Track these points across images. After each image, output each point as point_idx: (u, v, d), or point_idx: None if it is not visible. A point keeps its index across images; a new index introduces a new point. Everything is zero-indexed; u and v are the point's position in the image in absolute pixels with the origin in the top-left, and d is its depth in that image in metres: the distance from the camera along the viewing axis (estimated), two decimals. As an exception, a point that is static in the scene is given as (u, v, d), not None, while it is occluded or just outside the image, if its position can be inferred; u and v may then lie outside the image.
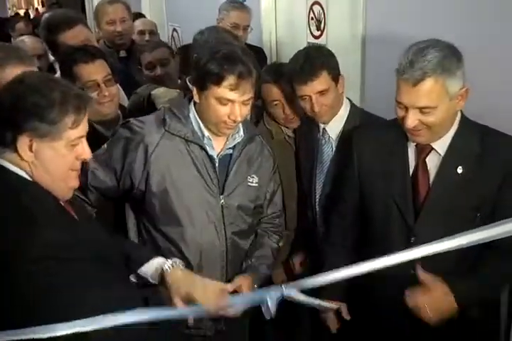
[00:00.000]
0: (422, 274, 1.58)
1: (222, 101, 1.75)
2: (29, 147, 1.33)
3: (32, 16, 10.04)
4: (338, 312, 1.89)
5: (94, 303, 1.28)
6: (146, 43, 3.41)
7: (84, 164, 1.49)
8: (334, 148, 2.21)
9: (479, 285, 1.62)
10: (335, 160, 2.21)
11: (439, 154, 1.72)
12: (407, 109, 1.63)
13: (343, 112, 2.22)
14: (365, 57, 2.76)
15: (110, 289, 1.33)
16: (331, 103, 2.13)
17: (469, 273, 1.61)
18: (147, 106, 2.41)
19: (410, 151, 1.77)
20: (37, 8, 12.33)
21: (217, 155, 1.89)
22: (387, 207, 1.78)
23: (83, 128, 1.40)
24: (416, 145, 1.75)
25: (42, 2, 12.27)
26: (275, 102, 2.30)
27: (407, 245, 1.69)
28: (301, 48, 2.24)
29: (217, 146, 1.89)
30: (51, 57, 3.32)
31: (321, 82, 2.07)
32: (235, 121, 1.79)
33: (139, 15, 4.29)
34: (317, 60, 2.07)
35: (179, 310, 1.50)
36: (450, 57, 1.60)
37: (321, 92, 2.08)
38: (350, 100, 2.27)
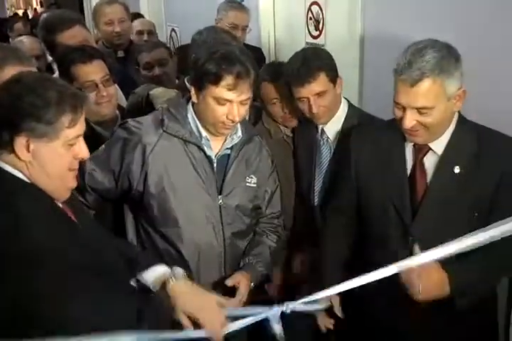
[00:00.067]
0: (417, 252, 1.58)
1: (220, 101, 1.75)
2: (26, 147, 1.32)
3: (30, 16, 10.02)
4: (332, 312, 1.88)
5: (78, 314, 1.26)
6: (144, 43, 3.40)
7: (81, 165, 1.48)
8: (333, 149, 2.22)
9: (476, 272, 1.62)
10: (333, 160, 2.21)
11: (437, 154, 1.72)
12: (404, 109, 1.63)
13: (341, 113, 2.22)
14: (363, 57, 2.76)
15: (100, 299, 1.31)
16: (329, 104, 2.13)
17: (468, 261, 1.60)
18: (145, 107, 2.40)
19: (408, 151, 1.77)
20: (35, 9, 12.31)
21: (216, 156, 1.88)
22: (385, 207, 1.78)
23: (80, 127, 1.39)
24: (413, 146, 1.76)
25: (40, 2, 12.25)
26: (273, 100, 2.30)
27: (405, 245, 1.70)
28: (299, 49, 2.24)
29: (215, 147, 1.88)
30: (49, 58, 3.32)
31: (319, 83, 2.07)
32: (233, 121, 1.79)
33: (138, 16, 4.30)
34: (314, 62, 2.07)
35: (181, 334, 1.46)
36: (448, 57, 1.60)
37: (319, 94, 2.08)
38: (348, 100, 2.28)
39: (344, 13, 2.94)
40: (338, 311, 1.82)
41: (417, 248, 1.57)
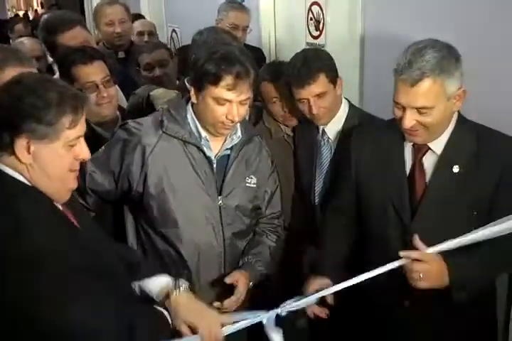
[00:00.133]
0: (418, 243, 1.59)
1: (219, 101, 1.75)
2: (27, 149, 1.32)
3: (31, 18, 10.03)
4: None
5: (79, 317, 1.26)
6: (144, 44, 3.41)
7: (82, 167, 1.48)
8: (333, 149, 2.22)
9: (476, 266, 1.62)
10: (333, 160, 2.21)
11: (436, 154, 1.73)
12: (404, 109, 1.63)
13: (342, 113, 2.22)
14: (363, 57, 2.77)
15: (100, 301, 1.31)
16: (329, 105, 2.13)
17: (469, 255, 1.61)
18: (146, 107, 2.40)
19: (407, 151, 1.77)
20: (36, 10, 12.32)
21: (215, 156, 1.88)
22: (384, 207, 1.79)
23: (81, 128, 1.39)
24: (413, 145, 1.76)
25: (41, 3, 12.26)
26: (274, 99, 2.31)
27: (404, 244, 1.70)
28: (300, 50, 2.25)
29: (214, 147, 1.88)
30: (50, 59, 3.32)
31: (319, 85, 2.07)
32: (232, 121, 1.79)
33: (139, 16, 4.30)
34: (314, 63, 2.08)
35: None
36: (448, 57, 1.60)
37: (319, 95, 2.09)
38: (348, 101, 2.28)
39: (344, 14, 2.94)
40: (329, 299, 1.81)
41: (417, 239, 1.59)
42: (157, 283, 1.59)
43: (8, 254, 1.25)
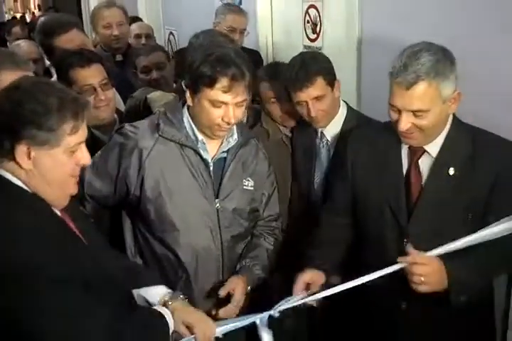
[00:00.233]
0: (413, 252, 1.59)
1: (215, 103, 1.75)
2: (27, 155, 1.31)
3: (28, 20, 10.03)
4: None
5: (51, 327, 1.26)
6: (141, 47, 3.41)
7: (81, 172, 1.46)
8: (332, 152, 2.22)
9: (474, 267, 1.62)
10: (331, 162, 2.21)
11: (432, 156, 1.73)
12: (400, 111, 1.64)
13: (340, 116, 2.23)
14: (360, 59, 2.77)
15: (91, 316, 1.30)
16: (327, 108, 2.14)
17: (467, 258, 1.61)
18: (143, 110, 2.41)
19: (403, 153, 1.78)
20: (33, 12, 12.32)
21: (212, 159, 1.88)
22: (381, 209, 1.79)
23: (82, 134, 1.38)
24: (409, 148, 1.76)
25: (38, 6, 12.26)
26: (272, 100, 2.32)
27: (400, 246, 1.70)
28: (297, 53, 2.26)
29: (211, 150, 1.88)
30: (47, 62, 3.32)
31: (317, 88, 2.08)
32: (228, 124, 1.78)
33: (136, 19, 4.31)
34: (312, 66, 2.09)
35: None
36: (444, 60, 1.60)
37: (317, 98, 2.10)
38: (346, 103, 2.28)
39: (342, 16, 2.94)
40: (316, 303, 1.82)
41: (410, 248, 1.59)
42: (155, 293, 1.63)
43: None
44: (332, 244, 1.91)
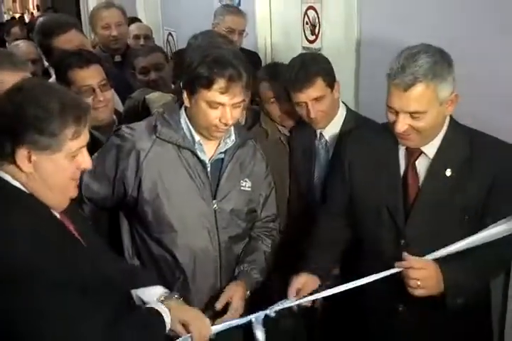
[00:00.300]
0: (408, 258, 1.60)
1: (212, 104, 1.75)
2: (28, 158, 1.31)
3: (27, 20, 10.02)
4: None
5: (62, 337, 1.26)
6: (140, 48, 3.41)
7: (80, 175, 1.46)
8: (331, 153, 2.22)
9: (470, 270, 1.62)
10: (330, 163, 2.22)
11: (429, 157, 1.74)
12: (397, 113, 1.64)
13: (339, 117, 2.24)
14: (359, 61, 2.77)
15: (89, 320, 1.30)
16: (327, 109, 2.15)
17: (463, 260, 1.61)
18: (142, 111, 2.41)
19: (401, 154, 1.78)
20: (32, 13, 12.32)
21: (209, 160, 1.88)
22: (378, 210, 1.79)
23: (84, 138, 1.38)
24: (406, 149, 1.77)
25: (37, 6, 12.26)
26: (272, 99, 2.33)
27: (397, 248, 1.71)
28: (297, 54, 2.27)
29: (208, 151, 1.88)
30: (46, 62, 3.32)
31: (316, 89, 2.09)
32: (226, 125, 1.78)
33: (135, 20, 4.31)
34: (312, 67, 2.09)
35: None
36: (441, 62, 1.61)
37: (317, 99, 2.10)
38: (345, 104, 2.29)
39: (340, 18, 2.94)
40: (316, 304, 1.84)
41: (407, 254, 1.60)
42: (153, 293, 1.63)
43: None
44: (329, 246, 1.91)
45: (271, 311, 1.69)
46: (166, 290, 1.66)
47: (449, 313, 1.66)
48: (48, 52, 2.75)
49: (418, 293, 1.58)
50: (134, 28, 3.85)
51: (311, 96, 2.09)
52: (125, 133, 1.87)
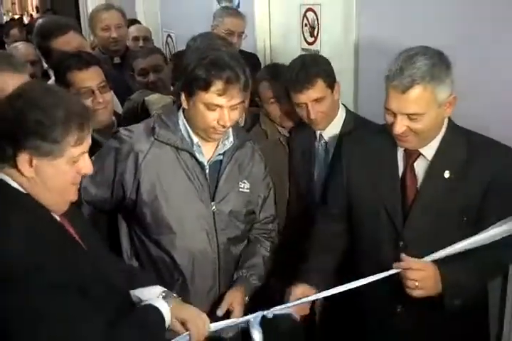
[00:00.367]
0: (407, 259, 1.60)
1: (210, 106, 1.75)
2: (29, 163, 1.31)
3: (26, 22, 10.02)
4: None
5: (47, 333, 1.26)
6: (139, 49, 3.41)
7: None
8: (331, 154, 2.23)
9: (468, 271, 1.63)
10: (331, 166, 2.22)
11: (427, 159, 1.74)
12: (395, 115, 1.65)
13: (339, 118, 2.25)
14: (358, 63, 2.77)
15: (88, 322, 1.30)
16: (327, 110, 2.15)
17: (461, 262, 1.61)
18: (141, 113, 2.41)
19: (399, 156, 1.79)
20: (31, 14, 12.32)
21: (208, 162, 1.88)
22: (377, 211, 1.79)
23: (86, 145, 1.38)
24: (404, 151, 1.77)
25: (36, 8, 12.26)
26: (271, 100, 2.33)
27: (396, 249, 1.71)
28: (296, 56, 2.27)
29: (207, 153, 1.88)
30: (45, 64, 3.32)
31: (317, 90, 2.09)
32: (224, 126, 1.79)
33: (134, 22, 4.31)
34: (312, 68, 2.10)
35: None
36: (439, 64, 1.61)
37: (317, 100, 2.11)
38: (345, 106, 2.29)
39: (339, 20, 2.94)
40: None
41: (405, 256, 1.60)
42: (152, 292, 1.62)
43: None
44: (327, 255, 1.90)
45: (268, 312, 1.69)
46: (165, 289, 1.66)
47: (447, 314, 1.66)
48: (47, 54, 2.75)
49: (416, 293, 1.58)
50: (133, 30, 3.85)
51: (311, 97, 2.09)
52: (123, 136, 1.87)
